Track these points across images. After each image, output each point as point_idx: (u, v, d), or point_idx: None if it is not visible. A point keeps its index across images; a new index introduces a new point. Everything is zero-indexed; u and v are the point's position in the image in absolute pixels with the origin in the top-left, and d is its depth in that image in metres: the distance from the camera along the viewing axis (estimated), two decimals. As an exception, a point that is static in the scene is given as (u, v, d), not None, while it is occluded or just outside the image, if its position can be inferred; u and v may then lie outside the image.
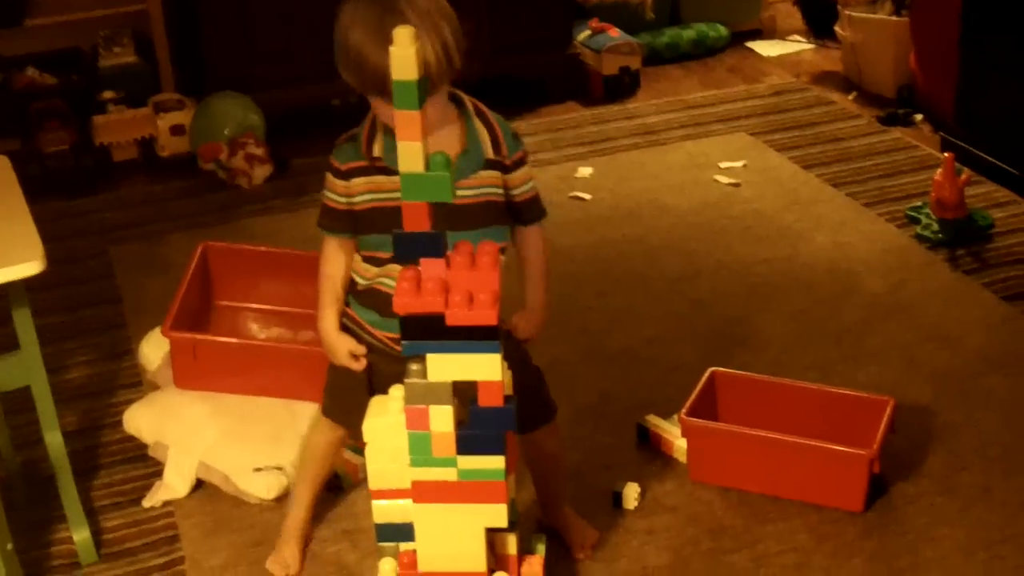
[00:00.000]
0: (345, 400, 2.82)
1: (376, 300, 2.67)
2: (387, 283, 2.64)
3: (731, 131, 5.37)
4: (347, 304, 2.75)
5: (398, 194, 2.49)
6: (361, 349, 2.74)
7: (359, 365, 2.74)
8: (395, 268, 2.63)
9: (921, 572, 2.93)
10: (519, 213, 2.70)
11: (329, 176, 2.65)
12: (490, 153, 2.62)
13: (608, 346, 3.83)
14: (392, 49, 2.22)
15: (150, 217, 4.81)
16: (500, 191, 2.65)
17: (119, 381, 3.75)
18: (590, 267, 4.30)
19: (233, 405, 3.35)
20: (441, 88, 2.52)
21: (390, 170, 2.54)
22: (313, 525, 3.11)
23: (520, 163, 2.68)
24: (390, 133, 2.56)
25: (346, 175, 2.61)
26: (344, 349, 2.74)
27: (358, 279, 2.71)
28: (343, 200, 2.63)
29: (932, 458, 3.30)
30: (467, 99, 2.65)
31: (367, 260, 2.68)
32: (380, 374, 2.68)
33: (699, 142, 5.27)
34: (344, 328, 2.75)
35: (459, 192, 2.45)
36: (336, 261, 2.73)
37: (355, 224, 2.64)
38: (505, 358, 2.40)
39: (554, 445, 2.97)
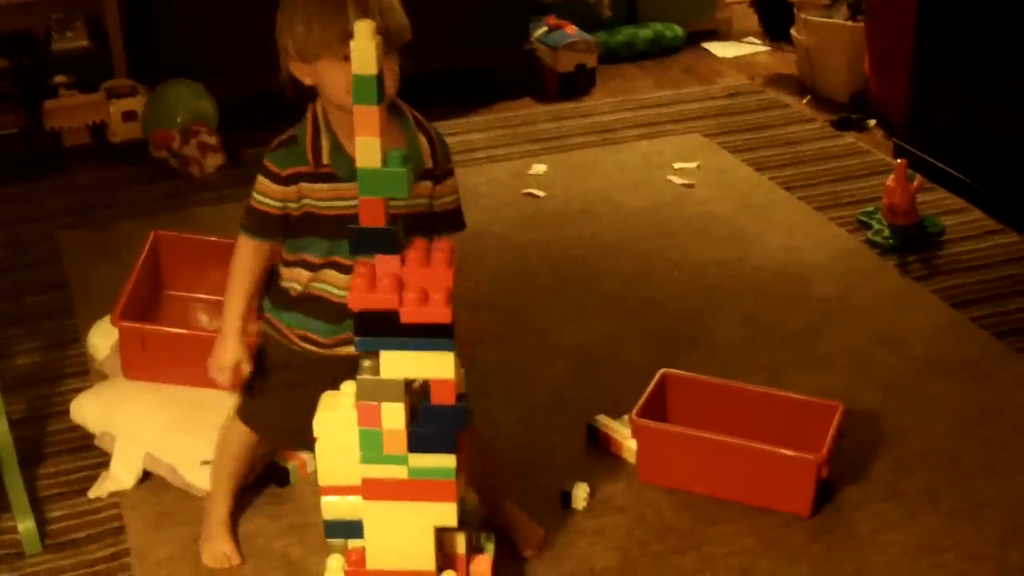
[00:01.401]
0: (269, 409, 2.81)
1: (322, 308, 2.65)
2: (328, 289, 2.63)
3: (685, 131, 5.38)
4: (266, 312, 2.73)
5: (341, 202, 2.53)
6: (247, 368, 2.73)
7: (231, 381, 2.74)
8: (331, 274, 2.63)
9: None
10: (438, 222, 2.69)
11: (262, 179, 2.61)
12: (428, 163, 2.63)
13: (560, 345, 3.83)
14: (352, 43, 2.21)
15: (100, 204, 4.77)
16: (427, 201, 2.66)
17: (66, 369, 3.72)
18: (542, 265, 4.30)
19: (182, 396, 3.32)
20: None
21: (336, 177, 2.53)
22: (259, 520, 3.09)
23: (449, 173, 2.69)
24: (336, 137, 2.55)
25: (286, 180, 2.57)
26: (235, 357, 2.72)
27: (289, 286, 2.68)
28: (277, 204, 2.60)
29: (879, 463, 3.31)
30: (406, 107, 2.65)
31: (294, 264, 2.66)
32: (314, 384, 2.59)
33: (653, 142, 5.28)
34: (267, 338, 2.74)
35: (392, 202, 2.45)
36: (250, 267, 2.69)
37: (285, 229, 2.63)
38: None
39: (484, 434, 2.95)
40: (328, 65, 2.49)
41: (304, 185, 2.57)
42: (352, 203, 2.42)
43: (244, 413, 2.89)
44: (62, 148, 5.20)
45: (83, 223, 4.62)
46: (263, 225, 2.65)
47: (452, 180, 2.71)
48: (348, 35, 2.34)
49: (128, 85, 5.26)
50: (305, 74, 2.55)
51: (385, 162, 2.28)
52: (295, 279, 2.67)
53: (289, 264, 2.67)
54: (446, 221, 2.71)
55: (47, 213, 4.70)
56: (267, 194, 2.61)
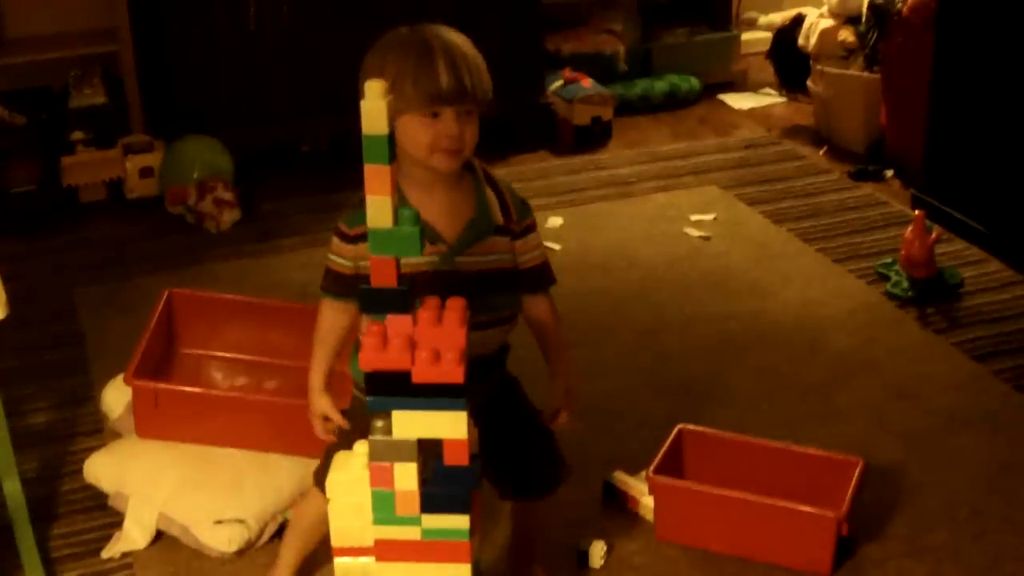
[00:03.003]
0: None
1: None
2: None
3: (702, 183, 5.37)
4: (358, 381, 2.71)
5: (410, 261, 2.47)
6: (336, 416, 2.71)
7: (324, 431, 2.71)
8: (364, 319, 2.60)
9: (888, 636, 2.91)
10: (527, 280, 2.67)
11: (335, 239, 2.61)
12: (499, 219, 2.60)
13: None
14: (363, 103, 2.20)
15: (116, 259, 4.78)
16: (510, 257, 2.62)
17: (80, 427, 3.70)
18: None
19: (195, 455, 3.31)
20: None
21: None
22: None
23: (530, 229, 2.66)
24: (404, 193, 2.53)
25: (354, 240, 2.56)
26: (320, 409, 2.71)
27: None
28: (350, 264, 2.60)
29: (899, 518, 3.28)
30: (476, 163, 2.63)
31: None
32: None
33: (670, 194, 5.27)
34: (353, 401, 2.72)
35: (469, 259, 2.44)
36: (334, 322, 2.68)
37: (359, 289, 2.61)
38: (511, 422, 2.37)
39: (545, 509, 2.93)
40: (411, 121, 2.47)
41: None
42: (420, 261, 2.46)
43: (321, 477, 2.84)
44: (79, 204, 5.21)
45: (99, 279, 4.62)
46: (336, 284, 2.63)
47: (535, 236, 2.67)
48: (438, 95, 2.38)
49: (145, 141, 5.27)
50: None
51: (396, 222, 2.26)
52: None
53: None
54: (533, 278, 2.68)
55: (63, 269, 4.71)
56: (338, 254, 2.60)
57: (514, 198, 2.64)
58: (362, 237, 2.55)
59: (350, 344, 2.76)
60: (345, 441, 2.77)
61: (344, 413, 2.76)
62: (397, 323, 2.31)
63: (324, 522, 2.89)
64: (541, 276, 2.71)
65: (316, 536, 2.95)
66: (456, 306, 2.33)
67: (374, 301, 2.32)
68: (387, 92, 2.19)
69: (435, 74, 2.43)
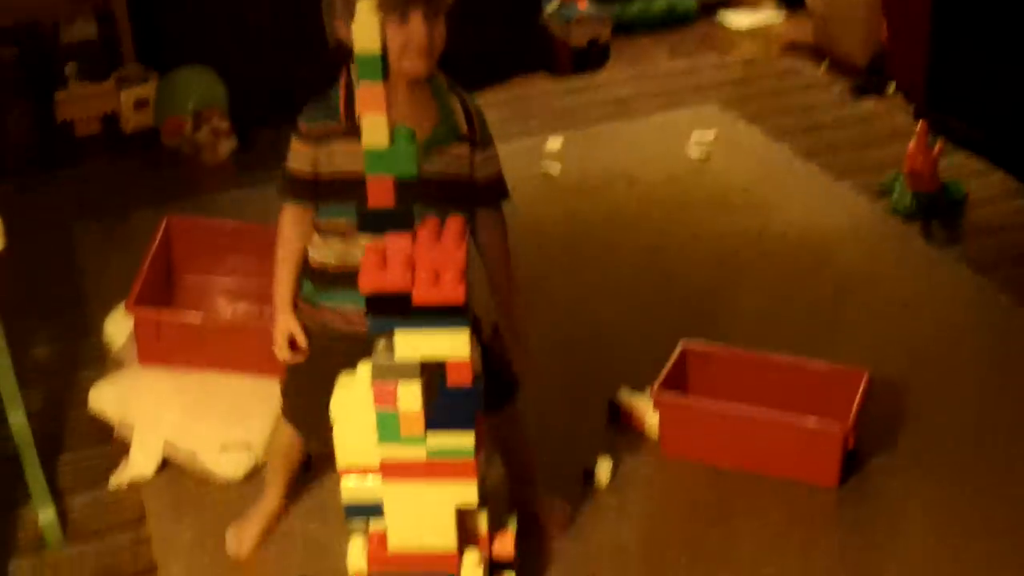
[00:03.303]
0: (304, 404, 2.77)
1: (354, 280, 2.59)
2: (359, 259, 2.58)
3: (702, 102, 5.33)
4: (308, 299, 2.68)
5: None
6: (301, 337, 2.68)
7: (290, 354, 2.69)
8: (362, 242, 2.57)
9: (896, 546, 2.91)
10: (483, 193, 2.63)
11: (293, 141, 2.56)
12: (463, 127, 2.57)
13: (578, 321, 3.80)
14: (354, 23, 2.17)
15: (113, 192, 4.75)
16: (468, 168, 2.59)
17: (84, 359, 3.70)
18: (559, 241, 4.26)
19: (199, 382, 3.30)
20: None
21: None
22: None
23: (488, 141, 2.63)
24: None
25: (316, 140, 2.53)
26: (287, 329, 2.68)
27: (325, 259, 2.62)
28: (308, 167, 2.56)
29: (907, 431, 3.27)
30: (439, 72, 2.60)
31: (329, 234, 2.60)
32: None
33: (670, 113, 5.23)
34: (309, 332, 2.69)
35: (431, 167, 2.41)
36: (294, 235, 2.65)
37: (319, 192, 2.57)
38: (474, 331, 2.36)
39: (520, 422, 2.92)
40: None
41: (334, 145, 2.51)
42: None
43: (285, 411, 2.86)
44: (74, 139, 5.17)
45: (97, 213, 4.60)
46: (295, 188, 2.59)
47: (492, 149, 2.64)
48: None
49: (138, 73, 5.22)
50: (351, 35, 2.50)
51: (392, 139, 2.24)
52: (330, 249, 2.60)
53: (323, 233, 2.60)
54: (488, 191, 2.64)
55: (60, 204, 4.69)
56: (297, 155, 2.56)
57: (476, 108, 2.61)
58: (324, 136, 2.52)
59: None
60: (298, 381, 2.76)
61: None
62: (396, 243, 2.30)
63: (295, 447, 2.92)
64: (496, 189, 2.67)
65: (294, 459, 2.97)
66: (455, 224, 2.32)
67: (373, 221, 2.30)
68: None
69: None
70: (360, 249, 2.55)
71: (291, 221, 2.65)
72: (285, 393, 2.84)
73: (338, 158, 2.52)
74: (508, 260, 2.71)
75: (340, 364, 2.54)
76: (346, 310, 2.61)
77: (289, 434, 2.88)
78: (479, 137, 2.60)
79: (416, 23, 2.41)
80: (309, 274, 2.66)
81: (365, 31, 2.17)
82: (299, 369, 2.75)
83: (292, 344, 2.70)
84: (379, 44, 2.18)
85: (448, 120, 2.55)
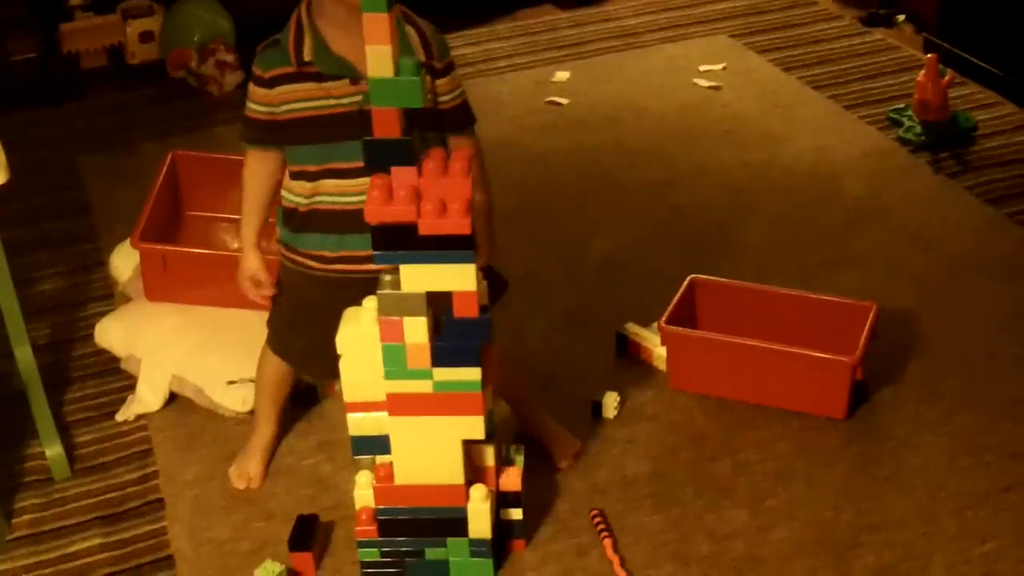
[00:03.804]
0: (291, 337, 2.80)
1: (326, 221, 2.60)
2: (329, 200, 2.58)
3: (711, 33, 5.28)
4: (285, 243, 2.69)
5: (331, 101, 2.49)
6: (265, 277, 2.72)
7: (255, 292, 2.74)
8: (329, 183, 2.58)
9: (903, 479, 2.90)
10: (449, 120, 2.62)
11: (251, 86, 2.58)
12: (421, 56, 2.55)
13: (586, 253, 3.78)
14: (359, -50, 2.15)
15: (119, 126, 4.73)
16: (431, 96, 2.57)
17: (90, 293, 3.69)
18: (567, 173, 4.24)
19: (206, 317, 3.30)
20: None
21: (323, 75, 2.49)
22: (288, 438, 3.07)
23: (450, 68, 2.61)
24: (320, 34, 2.49)
25: (270, 83, 2.53)
26: (251, 268, 2.73)
27: (296, 201, 2.63)
28: (264, 110, 2.57)
29: (915, 364, 3.26)
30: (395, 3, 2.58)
31: (297, 176, 2.61)
32: (331, 310, 2.51)
33: (678, 44, 5.19)
34: (283, 268, 2.71)
35: None
36: (258, 174, 2.67)
37: (280, 136, 2.58)
38: None
39: (502, 348, 2.89)
40: None
41: (289, 87, 2.52)
42: (341, 101, 2.44)
43: (272, 343, 2.87)
44: (80, 71, 5.15)
45: (103, 146, 4.58)
46: (254, 131, 2.62)
47: (454, 75, 2.62)
48: None
49: (144, 4, 5.18)
50: None
51: (397, 70, 2.22)
52: (299, 192, 2.61)
53: (293, 176, 2.62)
54: (454, 118, 2.63)
55: (67, 137, 4.67)
56: (254, 99, 2.58)
57: (435, 36, 2.59)
58: (278, 80, 2.52)
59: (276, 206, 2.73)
60: (284, 314, 2.77)
61: (277, 284, 2.77)
62: (401, 175, 2.28)
63: (283, 378, 2.92)
64: (463, 115, 2.65)
65: (282, 391, 2.98)
66: (461, 156, 2.30)
67: (378, 153, 2.28)
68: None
69: None
70: (328, 193, 2.56)
71: (253, 165, 2.67)
72: (271, 326, 2.85)
73: (293, 100, 2.53)
74: (485, 181, 2.68)
75: (322, 300, 2.59)
76: (321, 253, 2.64)
77: (276, 365, 2.89)
78: (439, 64, 2.57)
79: None
80: (283, 217, 2.67)
81: (369, -39, 2.14)
82: (283, 304, 2.77)
83: (256, 283, 2.75)
84: (383, -26, 2.15)
85: (405, 51, 2.52)
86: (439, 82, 2.58)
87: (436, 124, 2.58)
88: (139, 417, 3.18)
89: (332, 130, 2.50)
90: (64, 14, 5.13)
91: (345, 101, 2.49)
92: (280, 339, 2.85)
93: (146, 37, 5.12)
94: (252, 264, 2.74)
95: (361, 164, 2.33)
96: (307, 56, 2.50)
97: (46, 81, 5.03)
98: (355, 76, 2.49)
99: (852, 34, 5.24)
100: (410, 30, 2.55)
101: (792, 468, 2.95)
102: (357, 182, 2.51)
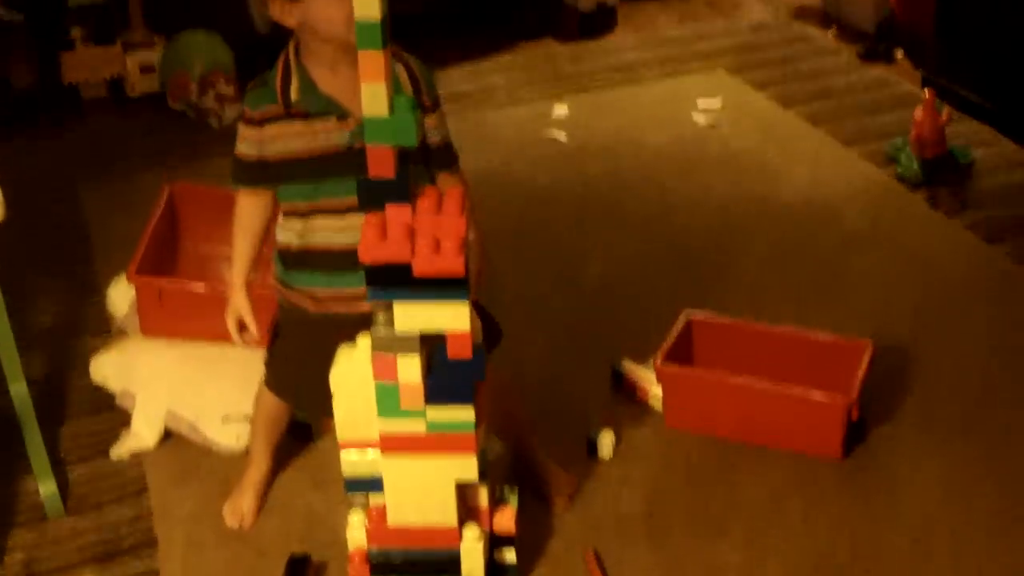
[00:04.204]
0: (287, 375, 2.80)
1: (318, 260, 2.61)
2: (320, 239, 2.59)
3: (709, 68, 5.30)
4: (280, 281, 2.69)
5: (318, 140, 2.49)
6: (251, 321, 2.72)
7: (238, 334, 2.74)
8: (319, 222, 2.58)
9: (899, 514, 2.90)
10: (436, 157, 2.62)
11: (240, 125, 2.58)
12: (410, 93, 2.55)
13: (582, 285, 3.79)
14: (354, -10, 2.15)
15: (119, 156, 4.74)
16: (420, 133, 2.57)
17: (87, 324, 3.70)
18: (564, 206, 4.24)
19: (201, 351, 3.29)
20: None
21: (307, 115, 2.49)
22: (282, 474, 3.07)
23: (437, 104, 2.60)
24: (308, 73, 2.49)
25: (260, 123, 2.54)
26: (238, 310, 2.72)
27: (289, 239, 2.63)
28: (254, 151, 2.57)
29: (910, 396, 3.26)
30: None
31: (289, 215, 2.61)
32: (326, 348, 2.50)
33: (677, 79, 5.21)
34: (283, 308, 2.72)
35: None
36: (249, 215, 2.68)
37: (270, 175, 2.58)
38: None
39: (508, 381, 2.89)
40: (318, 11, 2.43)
41: (278, 127, 2.52)
42: (328, 140, 2.46)
43: (268, 380, 2.86)
44: (80, 101, 5.16)
45: (103, 176, 4.58)
46: (245, 173, 2.62)
47: (441, 112, 2.62)
48: None
49: (145, 37, 5.20)
50: (288, 14, 2.47)
51: (392, 109, 2.22)
52: (291, 231, 2.61)
53: (286, 215, 2.62)
54: (441, 156, 2.63)
55: (66, 167, 4.67)
56: (244, 139, 2.58)
57: (423, 73, 2.58)
58: (267, 119, 2.52)
59: (272, 246, 2.73)
60: (281, 352, 2.76)
61: (274, 321, 2.77)
62: (396, 213, 2.28)
63: (279, 415, 2.92)
64: (447, 154, 2.64)
65: (278, 428, 2.98)
66: (455, 194, 2.30)
67: (373, 192, 2.28)
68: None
69: None
70: (315, 230, 2.56)
71: (244, 205, 2.68)
72: (268, 363, 2.85)
73: (281, 140, 2.54)
74: (474, 217, 2.66)
75: (317, 338, 2.58)
76: (314, 291, 2.65)
77: (272, 402, 2.89)
78: (427, 101, 2.57)
79: None
80: (278, 255, 2.68)
81: None
82: (279, 341, 2.77)
83: (241, 326, 2.75)
84: (379, 11, 2.15)
85: (394, 87, 2.51)
86: (427, 119, 2.57)
87: (423, 161, 2.58)
88: (134, 453, 3.17)
89: (320, 168, 2.51)
90: (65, 44, 5.14)
91: (332, 140, 2.49)
92: (276, 376, 2.84)
93: (146, 69, 5.13)
94: (239, 305, 2.73)
95: (350, 202, 2.34)
96: (294, 96, 2.50)
97: (47, 110, 5.04)
98: (342, 114, 2.50)
99: (850, 69, 5.26)
100: (398, 67, 2.55)
101: (787, 505, 2.94)
102: (347, 221, 2.52)
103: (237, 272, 2.73)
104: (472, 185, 2.68)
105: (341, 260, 2.55)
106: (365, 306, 2.39)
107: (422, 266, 2.25)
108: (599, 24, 5.70)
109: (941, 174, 4.28)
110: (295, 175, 2.54)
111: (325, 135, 2.51)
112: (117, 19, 5.29)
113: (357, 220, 2.38)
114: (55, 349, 3.59)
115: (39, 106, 5.06)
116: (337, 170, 2.49)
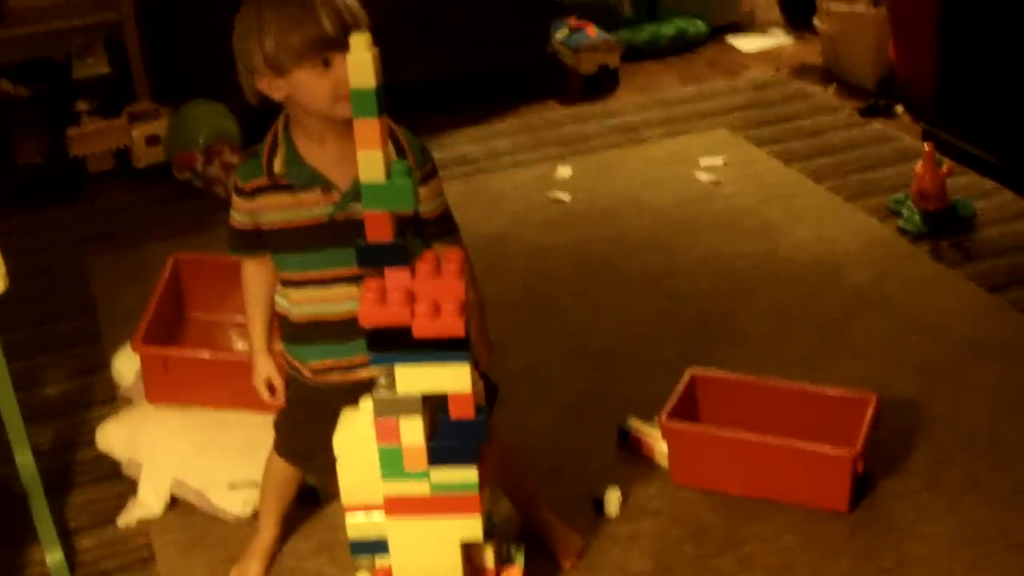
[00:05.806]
0: (295, 439, 2.81)
1: (311, 332, 2.62)
2: (312, 310, 2.60)
3: (711, 127, 5.33)
4: (284, 349, 2.72)
5: (302, 212, 2.51)
6: (278, 380, 2.74)
7: (269, 396, 2.76)
8: (311, 292, 2.59)
9: (908, 570, 2.89)
10: (433, 227, 2.61)
11: (234, 197, 2.61)
12: None
13: (588, 346, 3.79)
14: (350, 56, 2.17)
15: (126, 227, 4.76)
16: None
17: (94, 396, 3.70)
18: (569, 267, 4.26)
19: (207, 419, 3.30)
20: None
21: (292, 187, 2.51)
22: (290, 539, 3.06)
23: (430, 176, 2.59)
24: (295, 146, 2.52)
25: (251, 194, 2.55)
26: (264, 373, 2.74)
27: (286, 308, 2.65)
28: (248, 220, 2.59)
29: (918, 452, 3.25)
30: None
31: (285, 284, 2.64)
32: (340, 405, 2.53)
33: (679, 139, 5.23)
34: (288, 375, 2.74)
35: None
36: (255, 281, 2.70)
37: (264, 243, 2.61)
38: None
39: (508, 442, 2.89)
40: (303, 74, 2.43)
41: (266, 198, 2.54)
42: (312, 212, 2.48)
43: (277, 445, 2.87)
44: (87, 174, 5.20)
45: (109, 248, 4.61)
46: (240, 241, 2.64)
47: (434, 183, 2.60)
48: (324, 40, 2.36)
49: (150, 108, 5.25)
50: (276, 89, 2.48)
51: (389, 175, 2.24)
52: (288, 300, 2.64)
53: (283, 284, 2.65)
54: (437, 226, 2.62)
55: (74, 239, 4.70)
56: (237, 208, 2.61)
57: (412, 143, 2.57)
58: (259, 190, 2.54)
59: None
60: (289, 417, 2.78)
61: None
62: (395, 277, 2.29)
63: (289, 481, 2.93)
64: (444, 223, 2.64)
65: (288, 494, 2.98)
66: (454, 257, 2.32)
67: (371, 256, 2.30)
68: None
69: (317, 20, 2.39)
70: (310, 301, 2.58)
71: (249, 273, 2.71)
72: (277, 429, 2.86)
73: (271, 211, 2.56)
74: (475, 285, 2.69)
75: (322, 403, 2.60)
76: (309, 363, 2.67)
77: (282, 468, 2.90)
78: (419, 172, 2.54)
79: (340, 66, 2.34)
80: (279, 324, 2.70)
81: (360, 68, 2.17)
82: (287, 406, 2.78)
83: (271, 387, 2.77)
84: (374, 80, 2.18)
85: None
86: (420, 190, 2.53)
87: (418, 231, 2.58)
88: (141, 522, 3.17)
89: (306, 240, 2.53)
90: (71, 118, 5.19)
91: (316, 211, 2.50)
92: (285, 441, 2.85)
93: (152, 140, 5.17)
94: (264, 369, 2.76)
95: (336, 274, 2.36)
96: (278, 168, 2.52)
97: (53, 184, 5.08)
98: (326, 185, 2.51)
99: (851, 125, 5.28)
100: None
101: (796, 562, 2.93)
102: (334, 292, 2.55)
103: (256, 337, 2.75)
104: (479, 247, 2.69)
105: (332, 331, 2.58)
106: (362, 373, 2.41)
107: (422, 329, 2.27)
108: (602, 85, 5.75)
109: (944, 227, 4.29)
110: (284, 246, 2.57)
111: (309, 207, 2.52)
112: (122, 91, 5.35)
113: (344, 291, 2.42)
114: (62, 420, 3.60)
115: (46, 180, 5.10)
116: (322, 241, 2.51)
